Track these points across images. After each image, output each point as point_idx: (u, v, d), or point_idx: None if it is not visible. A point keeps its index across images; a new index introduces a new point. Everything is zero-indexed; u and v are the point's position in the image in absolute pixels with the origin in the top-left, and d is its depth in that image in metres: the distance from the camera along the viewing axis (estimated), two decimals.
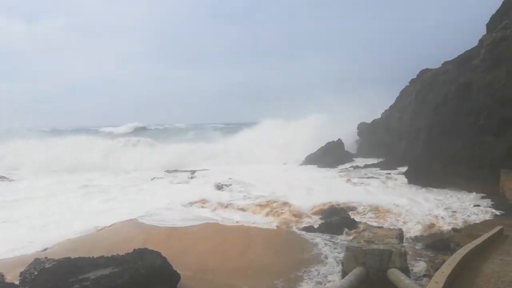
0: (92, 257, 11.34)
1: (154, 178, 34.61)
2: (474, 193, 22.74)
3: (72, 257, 11.07)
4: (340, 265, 3.23)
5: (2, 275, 10.52)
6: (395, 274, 3.06)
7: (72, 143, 51.82)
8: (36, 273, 10.12)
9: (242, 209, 21.65)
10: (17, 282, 10.08)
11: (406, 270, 3.17)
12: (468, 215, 18.71)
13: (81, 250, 13.31)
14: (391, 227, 3.90)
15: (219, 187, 28.65)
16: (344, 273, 3.34)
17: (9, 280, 10.32)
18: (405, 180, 27.99)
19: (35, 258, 11.00)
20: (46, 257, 11.09)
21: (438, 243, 14.66)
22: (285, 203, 21.66)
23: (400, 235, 3.68)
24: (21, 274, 10.38)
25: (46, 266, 10.40)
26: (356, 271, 3.18)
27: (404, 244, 14.63)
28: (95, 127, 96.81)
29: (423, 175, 26.28)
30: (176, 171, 39.02)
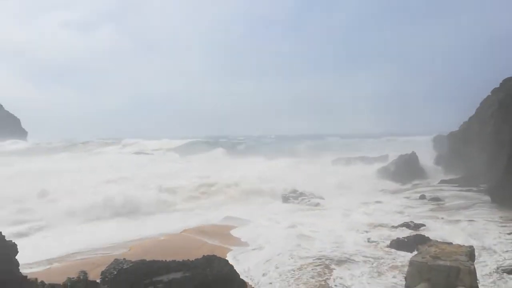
0: (165, 260, 11.98)
1: None
2: None
3: (147, 259, 11.77)
4: (403, 280, 3.06)
5: (85, 273, 11.45)
6: None
7: None
8: (115, 273, 10.90)
9: None
10: (98, 281, 10.93)
11: None
12: None
13: (154, 253, 14.08)
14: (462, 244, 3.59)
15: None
16: None
17: (91, 278, 11.23)
18: (488, 198, 25.89)
19: (115, 259, 11.84)
20: (124, 258, 11.90)
21: None
22: None
23: (471, 253, 3.45)
24: (102, 273, 11.23)
25: (124, 267, 11.17)
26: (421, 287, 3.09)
27: (487, 266, 13.61)
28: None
29: (508, 194, 24.06)
30: None
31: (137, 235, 19.04)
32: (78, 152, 70.89)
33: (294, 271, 13.59)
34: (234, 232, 19.40)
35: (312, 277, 13.01)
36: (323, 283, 12.46)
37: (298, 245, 16.46)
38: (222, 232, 19.53)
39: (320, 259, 14.72)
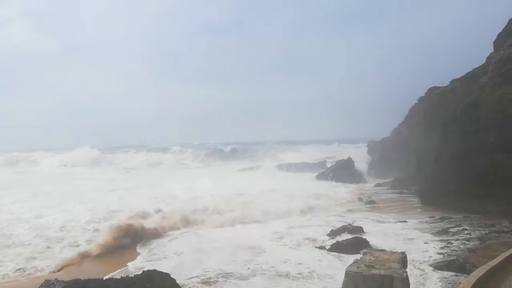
0: (101, 279, 11.38)
1: None
2: (490, 212, 22.17)
3: (82, 278, 11.12)
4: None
5: None
6: None
7: None
8: None
9: None
10: None
11: None
12: (484, 235, 18.32)
13: (88, 271, 13.35)
14: (394, 251, 3.82)
15: None
16: None
17: None
18: (417, 199, 27.77)
19: (45, 280, 11.09)
20: (56, 279, 11.16)
21: (453, 264, 14.37)
22: None
23: (403, 259, 3.67)
24: None
25: None
26: None
27: (419, 264, 14.39)
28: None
29: (436, 195, 25.87)
30: None
31: None
32: None
33: None
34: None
35: None
36: None
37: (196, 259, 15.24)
38: None
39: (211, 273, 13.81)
